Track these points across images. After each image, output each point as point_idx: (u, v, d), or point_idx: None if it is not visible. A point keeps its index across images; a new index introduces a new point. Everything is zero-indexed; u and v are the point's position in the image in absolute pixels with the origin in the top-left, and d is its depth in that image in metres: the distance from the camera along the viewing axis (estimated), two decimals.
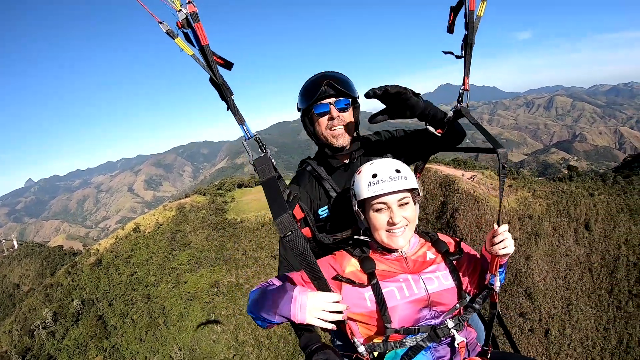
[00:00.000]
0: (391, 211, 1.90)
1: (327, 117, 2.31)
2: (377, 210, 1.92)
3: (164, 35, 1.58)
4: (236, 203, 56.37)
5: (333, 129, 2.32)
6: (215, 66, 1.67)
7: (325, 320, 1.63)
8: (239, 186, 63.74)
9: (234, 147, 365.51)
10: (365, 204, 1.97)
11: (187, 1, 1.57)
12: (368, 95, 1.97)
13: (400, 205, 1.92)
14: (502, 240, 1.87)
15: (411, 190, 1.96)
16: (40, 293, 52.88)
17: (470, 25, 2.03)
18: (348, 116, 2.36)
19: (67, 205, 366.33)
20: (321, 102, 2.29)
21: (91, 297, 49.85)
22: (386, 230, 1.93)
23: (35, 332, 47.74)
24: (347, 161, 2.47)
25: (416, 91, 2.07)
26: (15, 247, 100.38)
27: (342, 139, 2.34)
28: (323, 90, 2.25)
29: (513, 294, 38.00)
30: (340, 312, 1.67)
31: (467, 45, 2.07)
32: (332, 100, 2.29)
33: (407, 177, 1.91)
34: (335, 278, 1.90)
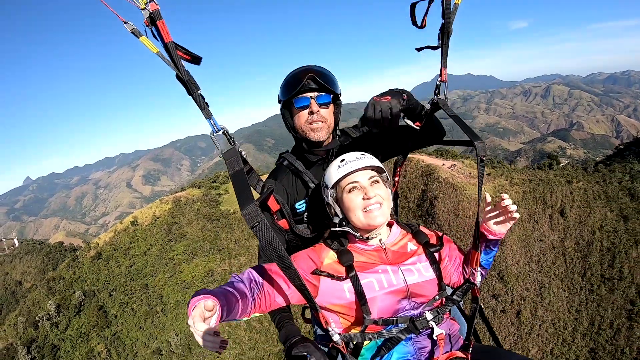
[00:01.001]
0: (364, 188, 1.94)
1: (307, 111, 2.29)
2: (350, 191, 1.95)
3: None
4: (229, 195, 58.14)
5: (312, 123, 2.29)
6: (180, 62, 1.68)
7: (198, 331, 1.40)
8: None
9: None
10: (338, 190, 2.00)
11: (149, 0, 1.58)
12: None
13: (372, 184, 1.96)
14: (509, 205, 1.85)
15: (379, 172, 2.02)
16: (43, 287, 54.84)
17: (447, 13, 1.93)
18: (328, 112, 2.35)
19: (65, 202, 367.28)
20: (302, 95, 2.27)
21: (92, 288, 51.84)
22: (362, 210, 1.93)
23: (39, 324, 49.66)
24: (324, 156, 2.47)
25: (399, 88, 2.10)
26: (16, 245, 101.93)
27: (320, 133, 2.32)
28: (305, 83, 2.23)
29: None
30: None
31: (444, 34, 1.98)
32: (313, 94, 2.27)
33: (373, 158, 2.01)
34: (314, 272, 1.91)
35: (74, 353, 46.80)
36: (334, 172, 2.01)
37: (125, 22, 1.61)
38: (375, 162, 2.01)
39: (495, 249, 2.06)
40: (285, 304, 1.88)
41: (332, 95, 2.34)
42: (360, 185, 1.95)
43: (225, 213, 54.62)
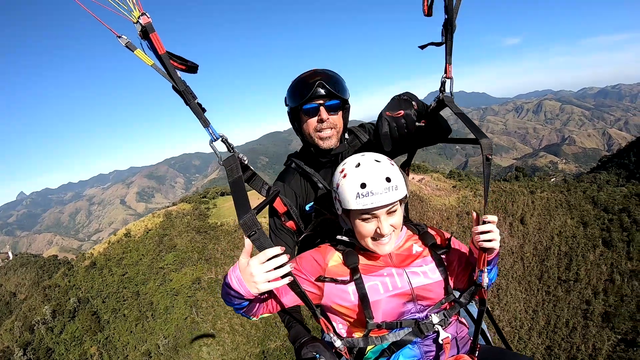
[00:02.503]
0: (379, 221, 1.81)
1: (316, 118, 2.26)
2: (364, 220, 1.83)
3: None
4: (217, 209, 62.61)
5: (321, 130, 2.27)
6: (175, 73, 1.66)
7: (274, 280, 1.55)
8: (222, 194, 70.06)
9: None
10: (351, 213, 1.86)
11: (141, 13, 1.57)
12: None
13: (389, 215, 1.83)
14: (486, 232, 1.77)
15: (400, 200, 1.85)
16: (39, 294, 58.18)
17: (450, 8, 1.86)
18: (337, 118, 2.31)
19: (59, 218, 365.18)
20: (311, 102, 2.23)
21: (86, 295, 55.25)
22: (372, 239, 1.86)
23: (35, 328, 52.71)
24: (333, 159, 2.45)
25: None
26: (11, 258, 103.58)
27: (329, 142, 2.30)
28: (314, 90, 2.19)
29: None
30: (284, 265, 1.55)
31: (448, 30, 1.90)
32: (322, 101, 2.23)
33: (398, 187, 1.78)
34: (318, 279, 1.90)
35: (67, 356, 49.75)
36: (351, 198, 1.77)
37: (119, 37, 1.60)
38: (401, 192, 1.79)
39: (492, 266, 1.90)
40: (292, 304, 1.92)
41: (340, 101, 2.28)
42: (377, 216, 1.80)
43: (213, 226, 58.85)
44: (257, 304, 1.78)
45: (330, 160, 2.44)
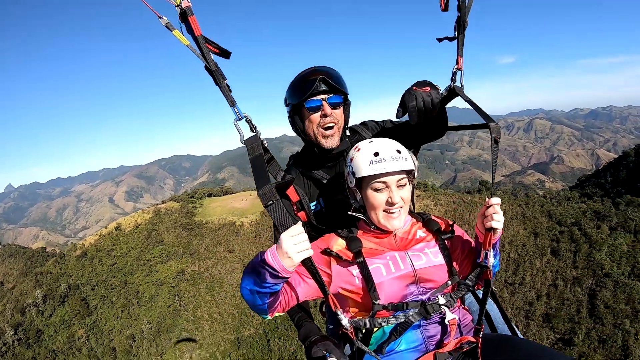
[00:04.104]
0: (390, 191, 1.89)
1: (319, 113, 2.29)
2: (376, 190, 1.91)
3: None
4: (204, 208, 67.59)
5: (325, 126, 2.30)
6: (208, 54, 1.76)
7: (305, 250, 1.60)
8: (209, 195, 75.09)
9: (217, 161, 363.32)
10: (363, 183, 1.94)
11: None
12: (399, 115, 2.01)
13: (399, 186, 1.91)
14: (492, 214, 1.84)
15: (408, 172, 1.96)
16: (31, 279, 62.31)
17: (463, 6, 2.01)
18: (340, 113, 2.35)
19: (46, 213, 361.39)
20: (313, 97, 2.27)
21: (77, 282, 59.46)
22: (383, 211, 1.93)
23: (26, 310, 56.67)
24: (335, 157, 2.49)
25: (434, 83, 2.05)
26: None
27: (332, 141, 2.34)
28: (316, 85, 2.23)
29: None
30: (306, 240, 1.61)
31: (460, 26, 2.05)
32: (324, 96, 2.28)
33: (407, 158, 1.92)
34: (324, 252, 1.95)
35: (56, 337, 53.85)
36: (364, 165, 1.89)
37: (160, 17, 1.69)
38: (410, 163, 1.92)
39: (494, 251, 1.94)
40: (305, 298, 1.95)
41: (342, 96, 2.34)
42: (388, 186, 1.89)
43: (198, 223, 63.77)
44: (279, 297, 1.82)
45: (332, 158, 2.47)
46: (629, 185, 69.56)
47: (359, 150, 1.97)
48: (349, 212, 2.08)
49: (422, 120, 1.96)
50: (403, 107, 1.99)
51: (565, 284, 43.67)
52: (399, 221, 1.94)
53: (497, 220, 1.83)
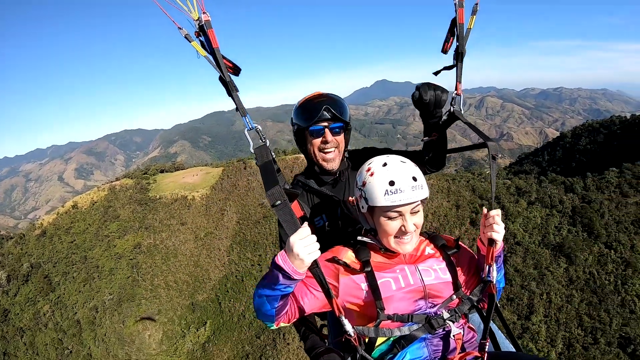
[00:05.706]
0: (404, 219, 1.88)
1: (320, 139, 2.49)
2: (390, 218, 1.88)
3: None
4: (157, 184, 70.00)
5: (325, 151, 2.50)
6: (224, 66, 1.87)
7: (314, 252, 1.62)
8: (162, 171, 77.43)
9: (168, 135, 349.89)
10: (376, 209, 1.91)
11: (202, 12, 1.80)
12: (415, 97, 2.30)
13: (412, 213, 1.89)
14: (492, 224, 1.89)
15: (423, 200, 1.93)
16: None
17: (461, 37, 2.18)
18: (340, 139, 2.55)
19: None
20: (317, 124, 2.46)
21: (38, 261, 61.67)
22: (395, 237, 1.92)
23: None
24: (336, 176, 2.64)
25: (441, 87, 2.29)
26: None
27: (332, 164, 2.53)
28: (321, 114, 2.42)
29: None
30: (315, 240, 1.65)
31: (459, 54, 2.23)
32: (327, 124, 2.46)
33: (423, 186, 1.88)
34: (331, 260, 1.98)
35: (22, 315, 56.42)
36: (379, 195, 1.84)
37: (180, 28, 1.79)
38: (425, 192, 1.88)
39: (499, 264, 1.99)
40: (311, 310, 1.96)
41: (343, 123, 2.52)
42: (402, 214, 1.87)
43: (152, 198, 66.41)
44: (287, 304, 1.84)
45: (333, 179, 2.63)
46: (564, 164, 73.62)
47: (372, 175, 1.92)
48: (359, 238, 2.09)
49: (431, 111, 2.33)
50: (418, 90, 2.32)
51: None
52: (411, 246, 1.96)
53: (498, 232, 1.90)
